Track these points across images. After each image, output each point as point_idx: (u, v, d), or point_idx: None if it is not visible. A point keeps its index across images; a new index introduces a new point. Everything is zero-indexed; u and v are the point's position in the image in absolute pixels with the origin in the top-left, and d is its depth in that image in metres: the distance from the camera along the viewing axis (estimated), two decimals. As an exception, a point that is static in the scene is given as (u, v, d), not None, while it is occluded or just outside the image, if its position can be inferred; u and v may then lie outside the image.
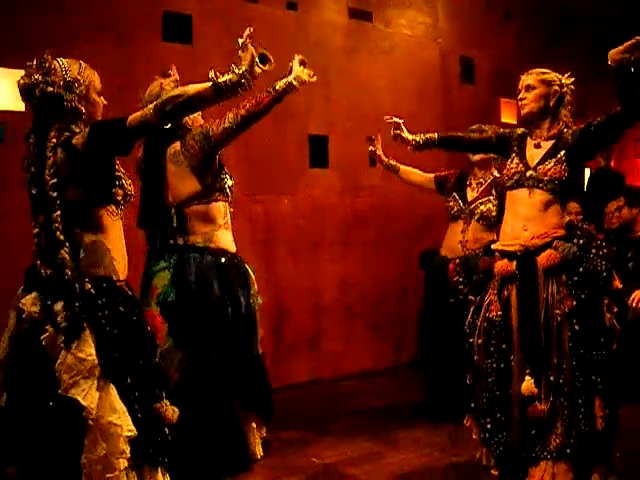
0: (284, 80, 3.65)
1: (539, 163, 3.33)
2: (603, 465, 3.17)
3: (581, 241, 3.21)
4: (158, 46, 5.23)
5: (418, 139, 4.02)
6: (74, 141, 2.59)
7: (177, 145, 3.70)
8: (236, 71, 2.76)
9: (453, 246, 4.73)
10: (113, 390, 2.53)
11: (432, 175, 5.09)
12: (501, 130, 3.72)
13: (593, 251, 3.18)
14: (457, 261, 4.60)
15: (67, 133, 2.63)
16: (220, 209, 3.79)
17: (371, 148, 4.98)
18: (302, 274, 5.96)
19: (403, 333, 6.59)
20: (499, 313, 3.30)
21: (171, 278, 3.63)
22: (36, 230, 2.66)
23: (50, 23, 4.58)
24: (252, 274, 3.89)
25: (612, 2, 7.88)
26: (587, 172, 7.25)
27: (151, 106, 2.59)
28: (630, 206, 5.42)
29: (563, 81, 3.40)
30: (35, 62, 2.66)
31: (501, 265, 3.33)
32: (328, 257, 6.13)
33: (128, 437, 2.50)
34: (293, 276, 5.90)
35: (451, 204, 4.84)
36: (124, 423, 2.50)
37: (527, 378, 3.19)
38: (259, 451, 3.85)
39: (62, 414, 2.48)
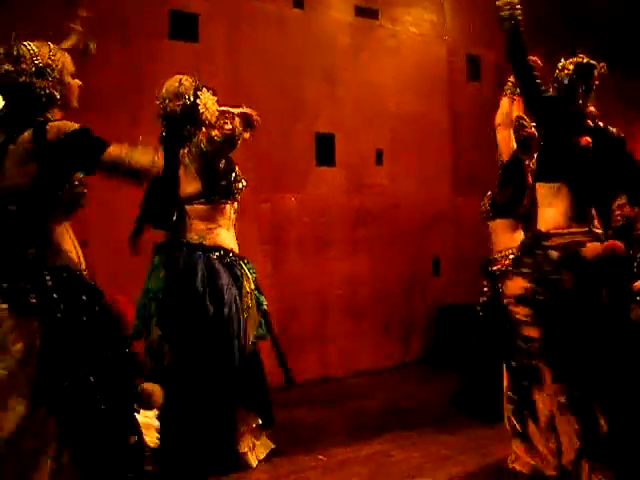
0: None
1: None
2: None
3: None
4: (165, 44, 5.24)
5: None
6: (48, 128, 2.44)
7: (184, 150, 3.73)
8: None
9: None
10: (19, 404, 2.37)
11: None
12: None
13: None
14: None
15: (41, 118, 2.49)
16: (222, 210, 3.84)
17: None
18: (309, 272, 5.96)
19: (410, 331, 6.59)
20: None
21: (164, 273, 3.70)
22: None
23: (55, 21, 4.58)
24: (250, 273, 3.90)
25: (617, 0, 7.85)
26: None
27: (137, 157, 2.50)
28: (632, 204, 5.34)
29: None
30: (2, 50, 2.50)
31: (594, 248, 3.24)
32: (335, 255, 6.13)
33: None
34: (300, 274, 5.90)
35: (485, 201, 4.75)
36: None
37: None
38: (252, 461, 3.78)
39: None
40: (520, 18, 3.12)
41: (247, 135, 3.83)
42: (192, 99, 3.68)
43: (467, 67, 7.16)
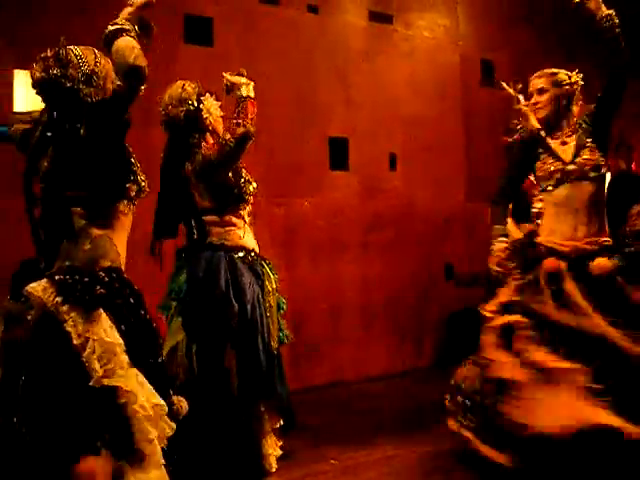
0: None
1: (575, 156, 3.37)
2: None
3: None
4: (179, 48, 5.27)
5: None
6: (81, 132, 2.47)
7: (189, 165, 3.69)
8: None
9: None
10: (139, 372, 2.40)
11: None
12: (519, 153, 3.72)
13: None
14: None
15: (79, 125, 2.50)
16: (237, 214, 3.81)
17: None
18: (322, 276, 5.96)
19: (423, 335, 6.58)
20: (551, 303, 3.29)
21: (186, 275, 3.65)
22: (34, 224, 2.49)
23: (71, 25, 4.62)
24: (271, 273, 3.88)
25: (629, 1, 7.82)
26: (608, 176, 7.17)
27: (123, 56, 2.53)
28: None
29: (572, 79, 3.47)
30: (50, 53, 2.51)
31: (551, 262, 3.33)
32: (348, 259, 6.14)
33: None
34: (313, 278, 5.91)
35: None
36: (162, 402, 2.40)
37: None
38: (274, 464, 3.76)
39: (91, 408, 2.28)
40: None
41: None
42: (195, 104, 3.67)
43: (481, 72, 7.15)
